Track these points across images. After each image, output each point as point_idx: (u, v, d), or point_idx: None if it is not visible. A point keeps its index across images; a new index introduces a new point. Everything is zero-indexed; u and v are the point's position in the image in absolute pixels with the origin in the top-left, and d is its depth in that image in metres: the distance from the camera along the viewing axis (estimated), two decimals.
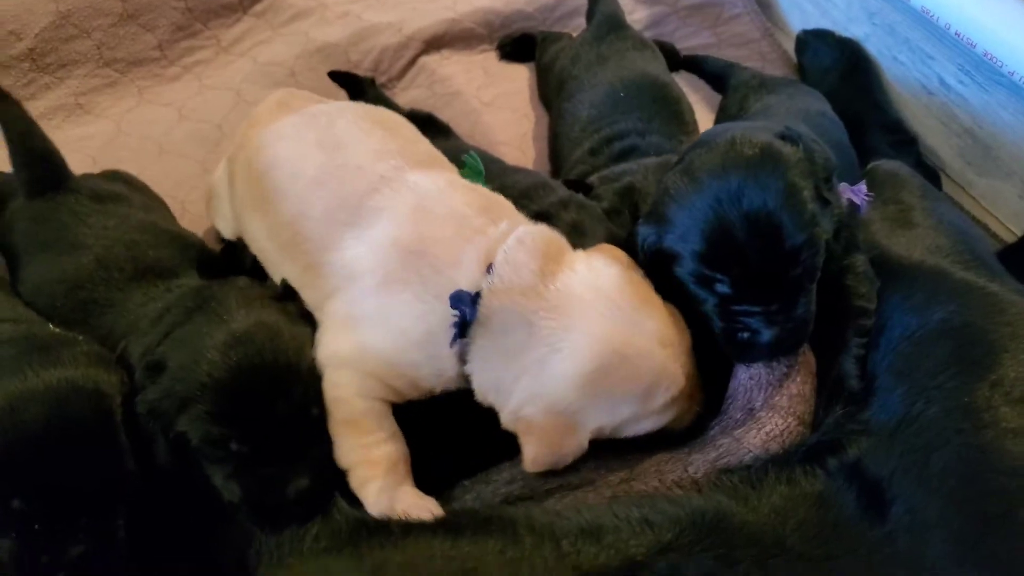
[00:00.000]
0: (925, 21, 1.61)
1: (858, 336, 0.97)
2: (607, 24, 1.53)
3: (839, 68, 1.76)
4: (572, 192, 1.14)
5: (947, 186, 1.69)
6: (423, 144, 1.08)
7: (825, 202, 0.92)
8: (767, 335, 0.89)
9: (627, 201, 1.10)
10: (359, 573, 0.72)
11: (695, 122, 1.40)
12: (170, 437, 0.85)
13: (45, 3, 1.53)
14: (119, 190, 1.26)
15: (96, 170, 1.33)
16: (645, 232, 0.95)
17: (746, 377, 0.94)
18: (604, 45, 1.48)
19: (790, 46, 1.89)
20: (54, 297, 1.09)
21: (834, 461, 0.83)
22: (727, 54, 1.88)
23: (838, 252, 0.99)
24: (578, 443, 0.86)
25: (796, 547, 0.73)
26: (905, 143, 1.56)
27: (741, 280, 0.88)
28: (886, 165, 1.34)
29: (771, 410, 0.90)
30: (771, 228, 0.86)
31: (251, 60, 1.72)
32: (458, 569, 0.71)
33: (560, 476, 0.86)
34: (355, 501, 0.86)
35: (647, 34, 1.84)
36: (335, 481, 0.88)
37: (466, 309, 0.85)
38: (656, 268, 0.96)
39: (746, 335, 0.90)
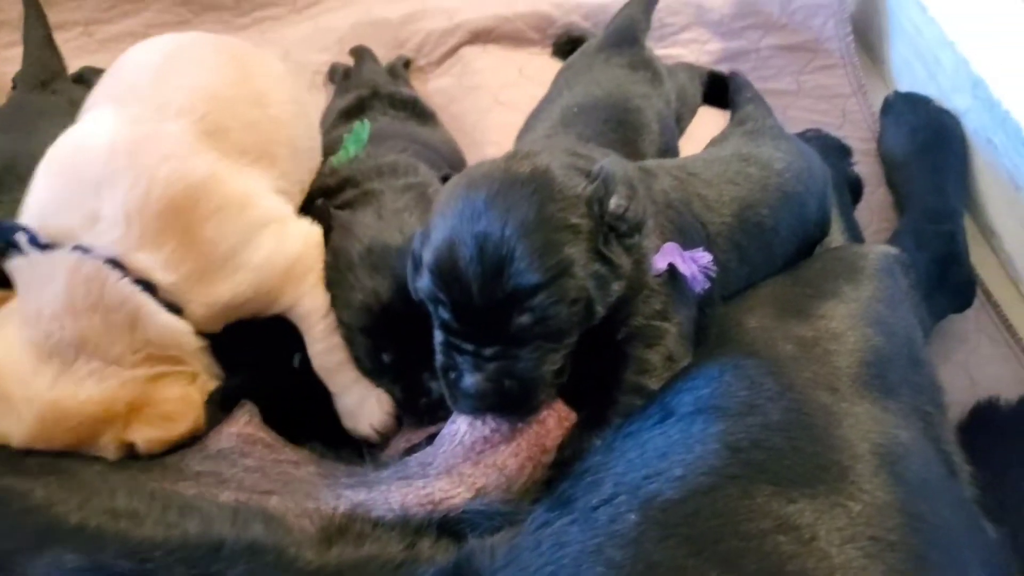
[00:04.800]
0: None
1: (619, 416, 0.81)
2: (616, 36, 1.40)
3: (917, 139, 1.48)
4: (424, 181, 1.07)
5: (1015, 306, 1.37)
6: (245, 110, 1.01)
7: (602, 258, 0.78)
8: (468, 381, 0.76)
9: None
10: None
11: (655, 156, 1.24)
12: None
13: None
14: None
15: None
16: (417, 235, 0.85)
17: (447, 428, 0.82)
18: (600, 56, 1.36)
19: None
20: None
21: (472, 542, 0.69)
22: (803, 104, 1.66)
23: (631, 317, 0.83)
24: None
25: None
26: (939, 236, 1.28)
27: (460, 308, 0.76)
28: (857, 249, 1.11)
29: (445, 474, 0.77)
30: (497, 258, 0.73)
31: (314, 24, 1.79)
32: None
33: (212, 464, 0.82)
34: None
35: (720, 68, 1.68)
36: None
37: None
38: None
39: (453, 375, 0.79)
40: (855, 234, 1.33)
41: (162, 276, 0.86)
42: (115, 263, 0.84)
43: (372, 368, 0.98)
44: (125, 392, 0.83)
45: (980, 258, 1.39)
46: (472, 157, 1.47)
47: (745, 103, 1.35)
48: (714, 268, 0.86)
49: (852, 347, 0.90)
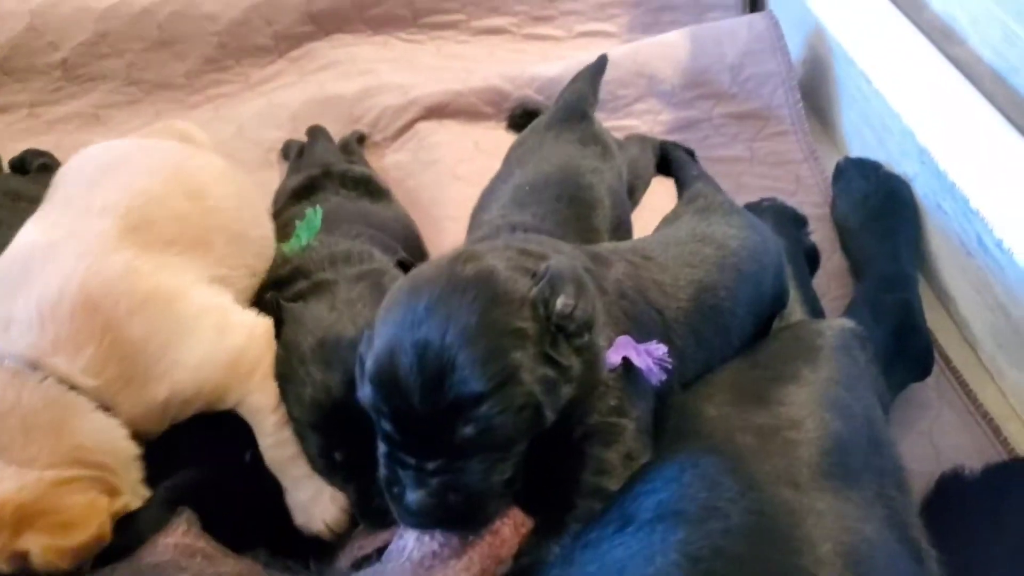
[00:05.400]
0: None
1: (577, 522, 0.78)
2: (564, 112, 1.40)
3: (869, 205, 1.50)
4: (379, 268, 1.05)
5: (973, 371, 1.37)
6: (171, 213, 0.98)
7: (551, 361, 0.75)
8: (411, 497, 0.73)
9: None
10: None
11: (610, 232, 1.23)
12: None
13: (87, 22, 1.68)
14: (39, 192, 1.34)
15: None
16: (365, 337, 0.82)
17: (395, 543, 0.78)
18: (550, 133, 1.36)
19: None
20: None
21: None
22: (756, 171, 1.68)
23: (587, 416, 0.81)
24: None
25: None
26: (895, 305, 1.28)
27: (400, 420, 0.73)
28: (814, 327, 1.10)
29: None
30: (438, 367, 0.71)
31: (268, 100, 1.78)
32: None
33: None
34: None
35: (671, 139, 1.70)
36: None
37: None
38: None
39: (397, 490, 0.75)
40: (813, 306, 1.33)
41: (82, 381, 0.82)
42: (33, 367, 0.81)
43: (323, 466, 0.95)
44: (19, 496, 0.77)
45: (936, 322, 1.39)
46: (430, 232, 1.46)
47: (692, 180, 1.35)
48: (670, 360, 0.85)
49: (812, 435, 0.88)
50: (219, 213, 1.02)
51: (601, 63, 1.53)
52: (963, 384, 1.34)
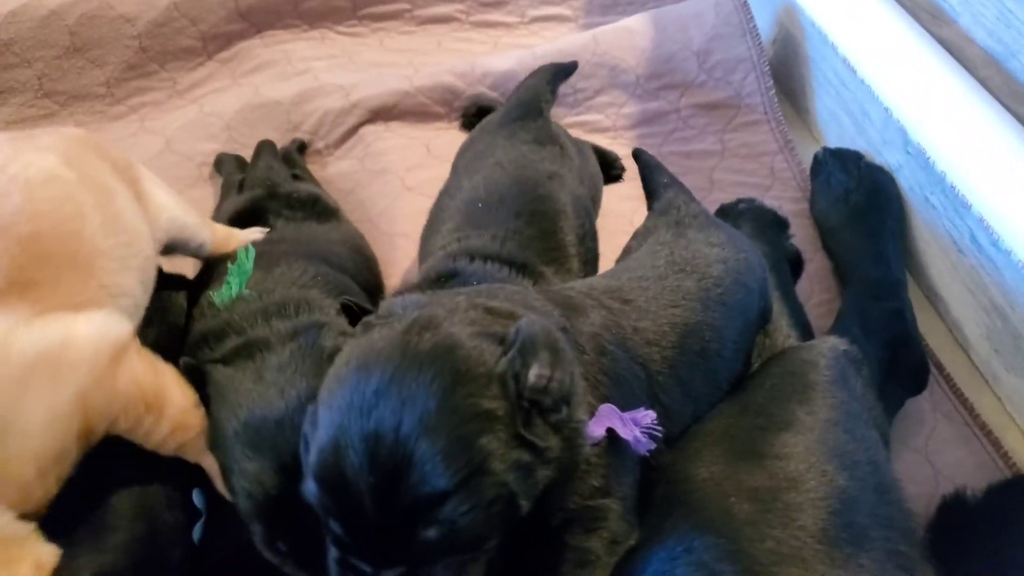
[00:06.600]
0: None
1: None
2: (518, 110, 1.26)
3: (851, 201, 1.41)
4: (317, 320, 0.92)
5: (967, 377, 1.29)
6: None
7: (524, 442, 0.64)
8: None
9: None
10: None
11: (577, 246, 1.11)
12: None
13: None
14: None
15: None
16: (308, 412, 0.71)
17: None
18: (503, 133, 1.22)
19: None
20: None
21: None
22: (729, 165, 1.57)
23: (566, 499, 0.71)
24: None
25: None
26: (885, 315, 1.19)
27: (351, 523, 0.63)
28: (806, 357, 0.99)
29: None
30: (392, 464, 0.60)
31: (199, 108, 1.63)
32: None
33: None
34: None
35: (636, 132, 1.58)
36: None
37: None
38: None
39: None
40: (798, 317, 1.23)
41: None
42: None
43: (270, 555, 0.83)
44: None
45: (926, 325, 1.31)
46: (383, 250, 1.34)
47: (663, 188, 1.22)
48: (659, 428, 0.74)
49: (815, 495, 0.79)
50: (34, 242, 0.80)
51: (569, 66, 1.40)
52: (959, 394, 1.26)
